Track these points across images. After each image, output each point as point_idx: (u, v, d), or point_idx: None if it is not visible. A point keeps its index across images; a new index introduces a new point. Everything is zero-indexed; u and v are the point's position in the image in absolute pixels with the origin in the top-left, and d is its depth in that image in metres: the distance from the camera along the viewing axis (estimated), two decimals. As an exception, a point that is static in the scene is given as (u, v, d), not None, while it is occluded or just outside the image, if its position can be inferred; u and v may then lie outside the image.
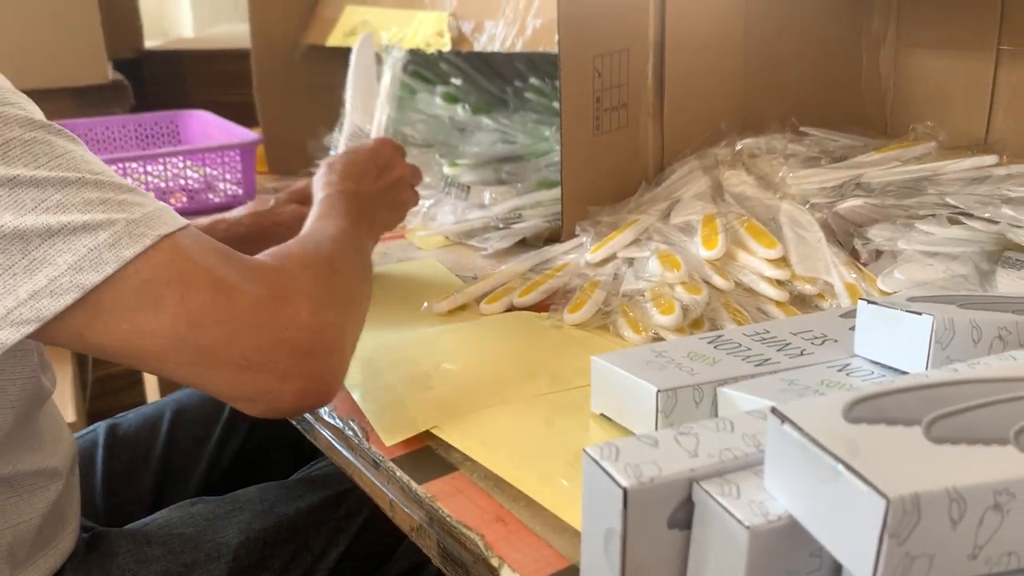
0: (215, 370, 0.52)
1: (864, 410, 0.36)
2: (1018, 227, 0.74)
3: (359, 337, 0.61)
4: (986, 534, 0.33)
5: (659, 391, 0.54)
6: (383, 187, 0.79)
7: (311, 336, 0.53)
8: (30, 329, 0.49)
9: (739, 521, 0.35)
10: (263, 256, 0.57)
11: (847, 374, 0.54)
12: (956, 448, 0.34)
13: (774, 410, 0.36)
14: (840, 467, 0.32)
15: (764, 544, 0.35)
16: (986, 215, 0.76)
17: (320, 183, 0.76)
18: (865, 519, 0.31)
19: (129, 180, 1.15)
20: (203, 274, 0.51)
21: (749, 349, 0.59)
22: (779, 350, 0.59)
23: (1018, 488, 0.33)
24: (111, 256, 0.49)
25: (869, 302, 0.55)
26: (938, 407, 0.37)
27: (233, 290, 0.51)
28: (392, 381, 0.68)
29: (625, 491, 0.37)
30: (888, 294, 0.74)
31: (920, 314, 0.51)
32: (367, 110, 1.06)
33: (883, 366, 0.55)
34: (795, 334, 0.61)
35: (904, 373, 0.53)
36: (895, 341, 0.53)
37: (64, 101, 1.62)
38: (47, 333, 0.50)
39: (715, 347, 0.59)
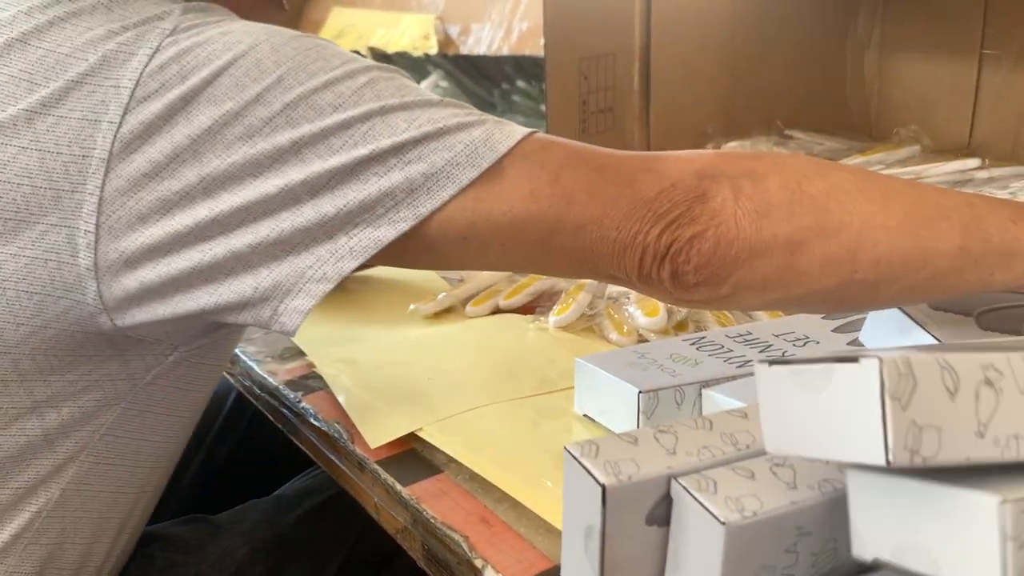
0: (597, 247, 0.48)
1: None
2: (999, 230, 0.75)
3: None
4: (987, 411, 0.33)
5: (640, 392, 0.54)
6: None
7: (730, 219, 0.46)
8: (406, 226, 0.48)
9: (715, 517, 0.36)
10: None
11: None
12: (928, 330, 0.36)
13: (761, 362, 0.36)
14: (832, 363, 0.33)
15: (740, 540, 0.36)
16: (968, 218, 0.77)
17: None
18: (864, 392, 0.31)
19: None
20: (579, 157, 0.49)
21: (731, 351, 0.59)
22: (760, 351, 0.59)
23: (1003, 366, 0.33)
24: (486, 150, 0.48)
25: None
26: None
27: (605, 168, 0.48)
28: (378, 383, 0.68)
29: (604, 488, 0.38)
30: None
31: (927, 331, 0.52)
32: None
33: None
34: (777, 336, 0.61)
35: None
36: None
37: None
38: (422, 236, 0.49)
39: (697, 348, 0.60)
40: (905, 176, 0.89)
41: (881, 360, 0.31)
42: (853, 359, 0.32)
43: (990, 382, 0.33)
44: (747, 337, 0.62)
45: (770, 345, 0.60)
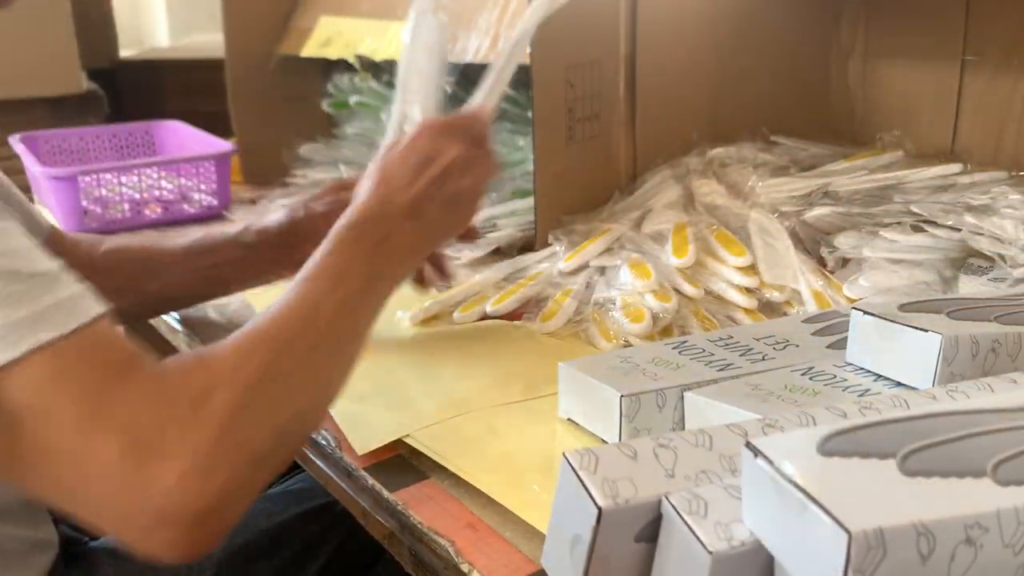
0: (81, 517, 0.46)
1: (839, 443, 0.36)
2: (980, 234, 0.76)
3: (308, 426, 0.55)
4: (959, 570, 0.32)
5: (622, 396, 0.54)
6: (422, 190, 0.63)
7: (183, 505, 0.44)
8: None
9: (703, 545, 0.36)
10: (178, 365, 0.48)
11: (810, 378, 0.55)
12: (929, 481, 0.34)
13: (748, 444, 0.36)
14: (807, 501, 0.32)
15: (726, 569, 0.35)
16: (949, 223, 0.78)
17: (357, 195, 0.64)
18: (830, 554, 0.31)
19: (103, 191, 1.15)
20: (66, 408, 0.44)
21: (712, 354, 0.60)
22: (741, 355, 0.60)
23: (991, 521, 0.32)
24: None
25: (865, 313, 0.54)
26: (915, 440, 0.36)
27: (93, 435, 0.44)
28: (365, 390, 0.68)
29: (600, 510, 0.38)
30: (854, 301, 0.75)
31: (926, 331, 0.51)
32: (423, 96, 0.83)
33: (867, 372, 0.55)
34: (757, 339, 0.62)
35: (897, 383, 0.54)
36: (896, 355, 0.53)
37: (38, 111, 1.62)
38: None
39: (679, 352, 0.60)
40: (888, 181, 0.89)
41: (850, 535, 0.30)
42: (828, 512, 0.31)
43: (971, 540, 0.32)
44: (728, 340, 0.62)
45: (751, 348, 0.61)
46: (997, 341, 0.53)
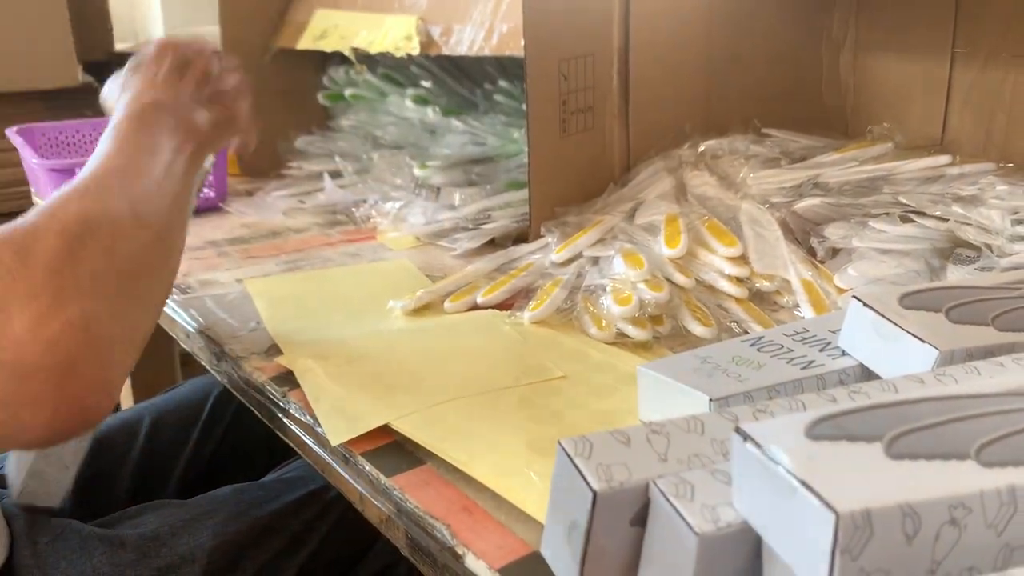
0: None
1: (827, 428, 0.36)
2: (967, 224, 0.77)
3: (152, 315, 0.55)
4: (944, 549, 0.33)
5: (711, 400, 0.52)
6: (189, 87, 0.70)
7: (34, 353, 0.43)
8: None
9: (690, 527, 0.36)
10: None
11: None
12: (915, 464, 0.34)
13: (738, 429, 0.36)
14: (795, 483, 0.33)
15: (713, 550, 0.36)
16: (937, 213, 0.79)
17: (119, 103, 0.70)
18: (818, 535, 0.32)
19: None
20: None
21: (792, 350, 0.57)
22: (821, 350, 0.57)
23: (974, 502, 0.33)
24: None
25: (865, 305, 0.53)
26: (902, 424, 0.37)
27: None
28: (350, 378, 0.68)
29: (595, 494, 0.38)
30: (844, 291, 0.76)
31: (923, 342, 0.50)
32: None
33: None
34: (833, 331, 0.59)
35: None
36: (890, 355, 0.52)
37: (34, 104, 1.62)
38: None
39: (758, 350, 0.58)
40: (878, 172, 0.91)
41: (838, 516, 0.31)
42: (816, 494, 0.32)
43: (955, 521, 0.33)
44: (804, 335, 0.59)
45: (829, 343, 0.58)
46: (990, 352, 0.51)
